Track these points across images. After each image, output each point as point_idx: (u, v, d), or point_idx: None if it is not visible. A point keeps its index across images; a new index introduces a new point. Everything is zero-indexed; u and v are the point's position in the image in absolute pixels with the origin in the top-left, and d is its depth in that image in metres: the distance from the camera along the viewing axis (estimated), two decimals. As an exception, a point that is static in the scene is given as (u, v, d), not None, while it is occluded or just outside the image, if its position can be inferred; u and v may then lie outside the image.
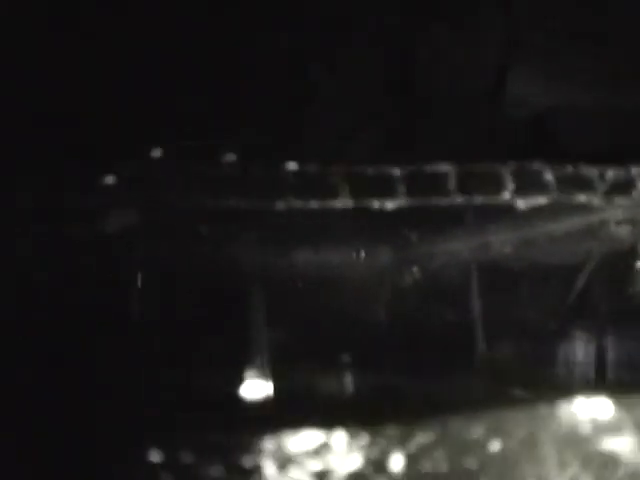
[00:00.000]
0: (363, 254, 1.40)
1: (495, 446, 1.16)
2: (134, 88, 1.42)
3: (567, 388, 1.28)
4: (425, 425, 1.16)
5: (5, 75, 1.38)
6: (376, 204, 1.16)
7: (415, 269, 1.38)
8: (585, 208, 1.17)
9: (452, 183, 1.15)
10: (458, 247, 1.33)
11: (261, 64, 1.50)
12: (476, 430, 1.17)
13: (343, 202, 1.17)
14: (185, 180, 1.21)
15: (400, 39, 1.54)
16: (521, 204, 1.15)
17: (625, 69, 1.52)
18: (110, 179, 1.20)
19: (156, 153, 1.28)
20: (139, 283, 1.32)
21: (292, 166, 1.19)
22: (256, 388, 1.32)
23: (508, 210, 1.20)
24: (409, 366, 1.30)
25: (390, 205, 1.16)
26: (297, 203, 1.19)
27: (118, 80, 1.42)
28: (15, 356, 1.22)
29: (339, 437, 1.19)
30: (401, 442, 1.16)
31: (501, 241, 1.32)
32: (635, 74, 1.51)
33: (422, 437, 1.15)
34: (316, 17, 1.54)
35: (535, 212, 1.15)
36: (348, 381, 1.36)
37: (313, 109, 1.52)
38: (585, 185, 1.15)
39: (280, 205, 1.19)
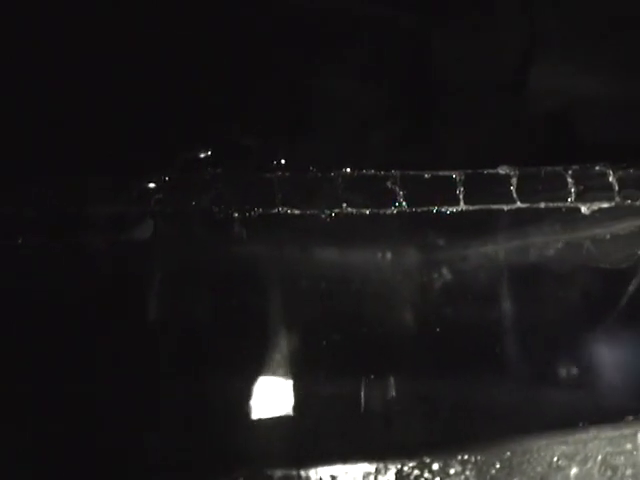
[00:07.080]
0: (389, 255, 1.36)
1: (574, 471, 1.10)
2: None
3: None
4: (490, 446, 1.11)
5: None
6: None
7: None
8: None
9: (513, 187, 1.11)
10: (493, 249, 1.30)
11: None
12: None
13: (398, 207, 1.12)
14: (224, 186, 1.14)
15: (415, 38, 1.50)
16: (584, 209, 1.11)
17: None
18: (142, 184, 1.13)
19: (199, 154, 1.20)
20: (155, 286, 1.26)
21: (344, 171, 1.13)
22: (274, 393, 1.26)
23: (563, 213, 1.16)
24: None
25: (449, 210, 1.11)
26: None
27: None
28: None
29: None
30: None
31: (543, 244, 1.28)
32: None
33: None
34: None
35: (596, 215, 1.12)
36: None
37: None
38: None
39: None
